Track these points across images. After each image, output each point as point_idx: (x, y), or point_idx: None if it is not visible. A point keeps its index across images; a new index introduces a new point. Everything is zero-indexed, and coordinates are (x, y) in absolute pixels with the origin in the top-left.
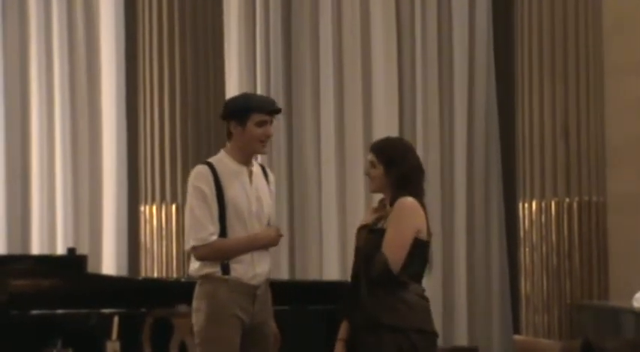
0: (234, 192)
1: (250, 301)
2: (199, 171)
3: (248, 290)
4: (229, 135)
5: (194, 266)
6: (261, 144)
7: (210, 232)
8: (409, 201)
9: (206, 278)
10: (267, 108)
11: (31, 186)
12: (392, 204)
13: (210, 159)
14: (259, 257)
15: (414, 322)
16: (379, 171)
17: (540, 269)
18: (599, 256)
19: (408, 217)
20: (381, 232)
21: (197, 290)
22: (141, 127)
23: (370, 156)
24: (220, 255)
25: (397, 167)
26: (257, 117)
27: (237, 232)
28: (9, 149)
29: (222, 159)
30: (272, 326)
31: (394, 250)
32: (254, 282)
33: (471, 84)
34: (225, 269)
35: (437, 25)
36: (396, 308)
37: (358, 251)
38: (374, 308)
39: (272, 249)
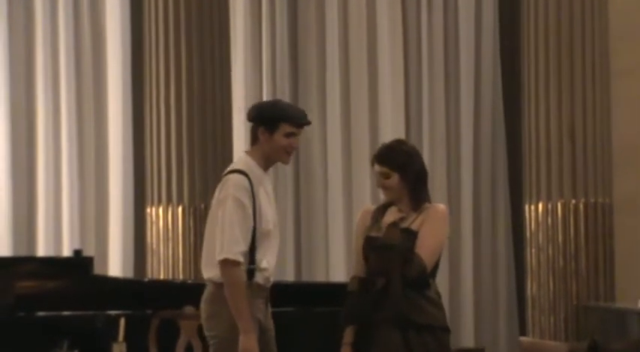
0: (263, 203)
1: (265, 303)
2: (241, 184)
3: (264, 294)
4: (255, 139)
5: (217, 271)
6: (287, 154)
7: (242, 250)
8: (443, 208)
9: None
10: (299, 120)
11: (37, 188)
12: (415, 208)
13: (243, 168)
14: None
15: (439, 320)
16: (395, 179)
17: (546, 271)
18: (606, 258)
19: (445, 224)
20: (413, 233)
21: (214, 294)
22: (147, 129)
23: (380, 168)
24: (230, 288)
25: (410, 170)
26: (287, 128)
27: (267, 242)
28: (15, 151)
29: (251, 167)
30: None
31: (430, 254)
32: (268, 285)
33: (478, 85)
34: (250, 276)
35: (443, 27)
36: (424, 307)
37: (391, 247)
38: (406, 306)
39: (278, 250)
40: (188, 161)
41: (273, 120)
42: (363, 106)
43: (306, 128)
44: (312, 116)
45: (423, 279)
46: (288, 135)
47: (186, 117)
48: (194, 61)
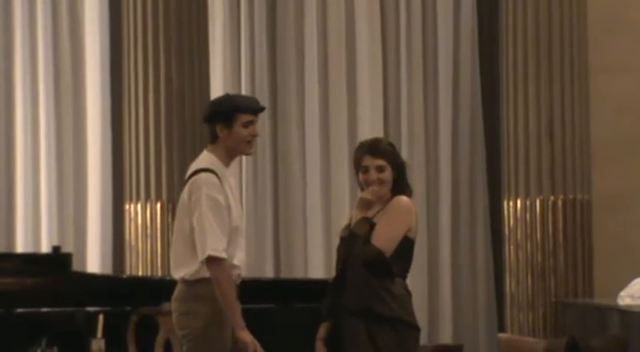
0: (231, 199)
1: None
2: (212, 181)
3: (235, 291)
4: (214, 137)
5: (191, 269)
6: (249, 144)
7: (224, 246)
8: (405, 199)
9: (203, 280)
10: (253, 107)
11: (15, 184)
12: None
13: (209, 166)
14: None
15: (399, 313)
16: (388, 172)
17: (525, 268)
18: (584, 254)
19: (403, 214)
20: (374, 225)
21: (187, 292)
22: (125, 125)
23: (375, 161)
24: (221, 286)
25: (399, 167)
26: (244, 118)
27: (236, 239)
28: None
29: (215, 164)
30: None
31: (383, 242)
32: (238, 282)
33: (456, 82)
34: None
35: (421, 24)
36: (383, 298)
37: (356, 237)
38: (364, 296)
39: (257, 248)
40: (166, 157)
41: (229, 113)
42: (341, 104)
43: (284, 125)
44: (291, 112)
45: (380, 262)
46: (247, 124)
47: (165, 113)
48: (172, 57)
